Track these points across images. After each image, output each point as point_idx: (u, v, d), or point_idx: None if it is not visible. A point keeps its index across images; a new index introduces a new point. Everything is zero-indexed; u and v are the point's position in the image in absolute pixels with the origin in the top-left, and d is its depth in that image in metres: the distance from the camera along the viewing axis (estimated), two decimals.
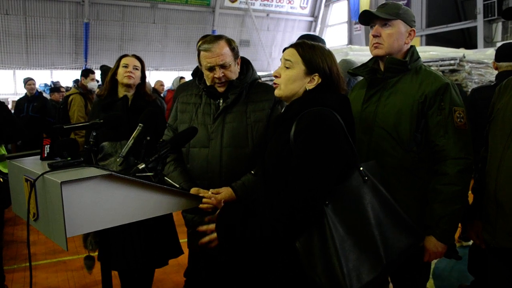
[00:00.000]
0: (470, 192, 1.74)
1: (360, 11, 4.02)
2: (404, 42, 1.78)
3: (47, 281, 3.38)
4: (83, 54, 15.49)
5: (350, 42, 17.90)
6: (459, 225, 1.82)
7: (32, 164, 1.50)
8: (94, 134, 1.64)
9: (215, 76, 1.87)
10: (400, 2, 1.96)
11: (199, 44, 1.98)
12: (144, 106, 2.33)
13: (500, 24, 13.33)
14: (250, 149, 1.85)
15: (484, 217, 1.67)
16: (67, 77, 13.41)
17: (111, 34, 15.87)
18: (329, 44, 13.17)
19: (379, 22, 1.77)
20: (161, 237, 2.38)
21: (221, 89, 1.91)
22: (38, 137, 5.05)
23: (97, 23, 15.53)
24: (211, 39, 1.89)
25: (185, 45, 16.93)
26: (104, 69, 4.87)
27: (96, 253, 2.40)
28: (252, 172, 1.82)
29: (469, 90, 4.94)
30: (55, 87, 8.14)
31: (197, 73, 2.35)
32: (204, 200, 1.72)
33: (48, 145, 1.51)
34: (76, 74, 11.27)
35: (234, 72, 1.91)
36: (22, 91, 7.72)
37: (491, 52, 6.98)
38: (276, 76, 1.51)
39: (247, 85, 1.95)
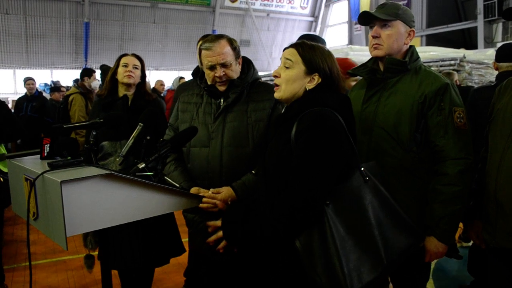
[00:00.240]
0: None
1: (361, 11, 4.01)
2: (404, 42, 1.78)
3: (47, 280, 3.38)
4: (83, 53, 15.49)
5: (351, 42, 17.88)
6: (460, 225, 1.82)
7: (32, 163, 1.49)
8: (94, 133, 1.63)
9: (216, 75, 1.87)
10: (400, 2, 1.96)
11: (200, 43, 1.97)
12: (144, 106, 2.33)
13: (500, 25, 13.32)
14: (250, 148, 1.85)
15: (484, 217, 1.67)
16: (67, 77, 13.40)
17: (111, 33, 15.87)
18: (330, 44, 13.21)
19: (378, 23, 1.77)
20: (162, 236, 2.37)
21: (222, 88, 1.91)
22: (37, 137, 5.05)
23: (97, 23, 15.53)
24: (212, 38, 1.89)
25: (185, 45, 16.92)
26: (104, 69, 4.87)
27: (96, 252, 2.40)
28: (253, 171, 1.81)
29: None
30: (55, 87, 8.15)
31: (197, 73, 2.35)
32: (204, 199, 1.72)
33: (48, 145, 1.50)
34: (76, 73, 11.26)
35: (235, 71, 1.91)
36: (22, 91, 7.71)
37: (491, 52, 6.98)
38: (276, 76, 1.51)
39: (248, 84, 1.95)
